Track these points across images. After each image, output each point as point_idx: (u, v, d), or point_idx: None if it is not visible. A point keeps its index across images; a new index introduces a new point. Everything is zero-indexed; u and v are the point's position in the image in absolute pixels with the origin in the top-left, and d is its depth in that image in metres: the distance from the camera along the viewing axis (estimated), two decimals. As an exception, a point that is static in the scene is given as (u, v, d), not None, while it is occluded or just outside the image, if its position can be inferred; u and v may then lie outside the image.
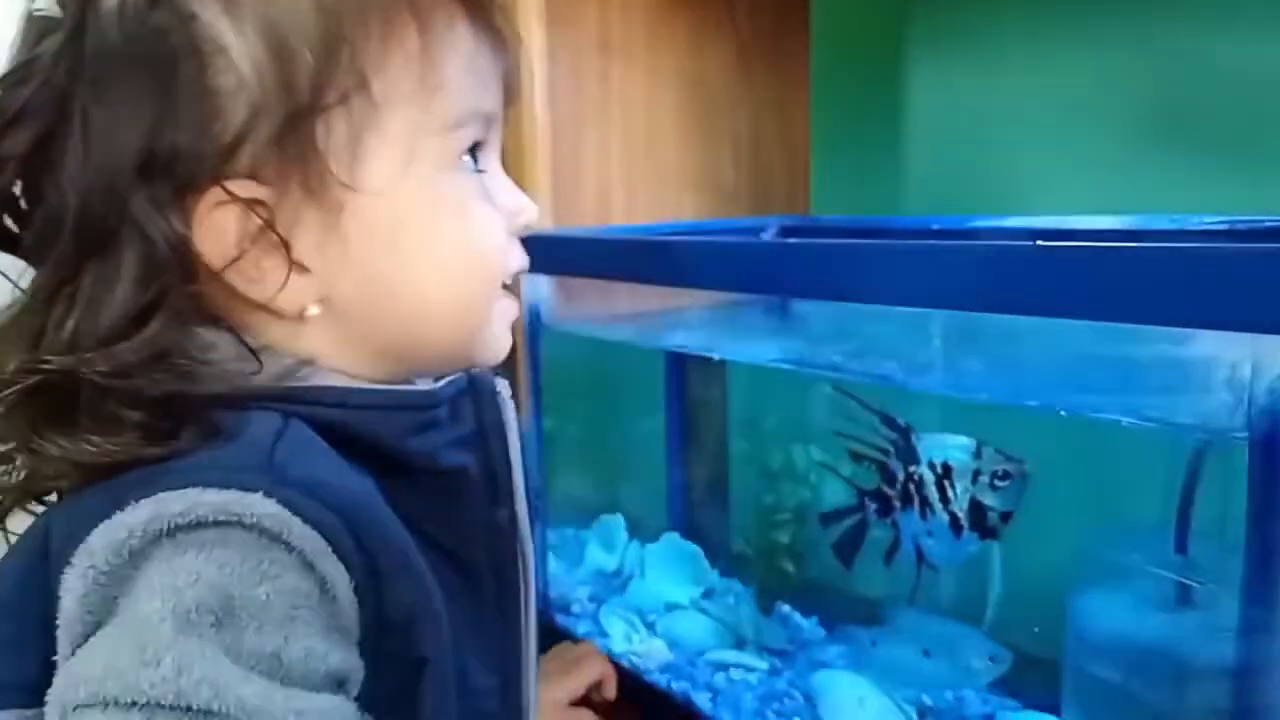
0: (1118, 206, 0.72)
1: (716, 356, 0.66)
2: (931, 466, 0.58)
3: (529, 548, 0.46)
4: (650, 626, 0.76)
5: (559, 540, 0.83)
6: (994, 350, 0.48)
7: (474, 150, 0.42)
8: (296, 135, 0.36)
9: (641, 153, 0.90)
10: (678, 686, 0.69)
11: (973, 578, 0.58)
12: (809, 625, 0.73)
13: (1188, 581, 0.50)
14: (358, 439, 0.38)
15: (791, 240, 0.53)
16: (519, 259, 0.45)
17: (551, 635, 0.78)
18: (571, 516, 0.85)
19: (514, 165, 0.85)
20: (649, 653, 0.72)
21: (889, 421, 0.60)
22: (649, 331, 0.74)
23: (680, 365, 0.85)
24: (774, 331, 0.64)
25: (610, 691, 0.69)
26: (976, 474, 0.56)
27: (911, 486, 0.59)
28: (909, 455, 0.59)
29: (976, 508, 0.56)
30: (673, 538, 0.80)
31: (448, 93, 0.39)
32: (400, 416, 0.40)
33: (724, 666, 0.70)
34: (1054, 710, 0.59)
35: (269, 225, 0.37)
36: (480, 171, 0.43)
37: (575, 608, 0.80)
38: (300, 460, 0.35)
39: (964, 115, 0.91)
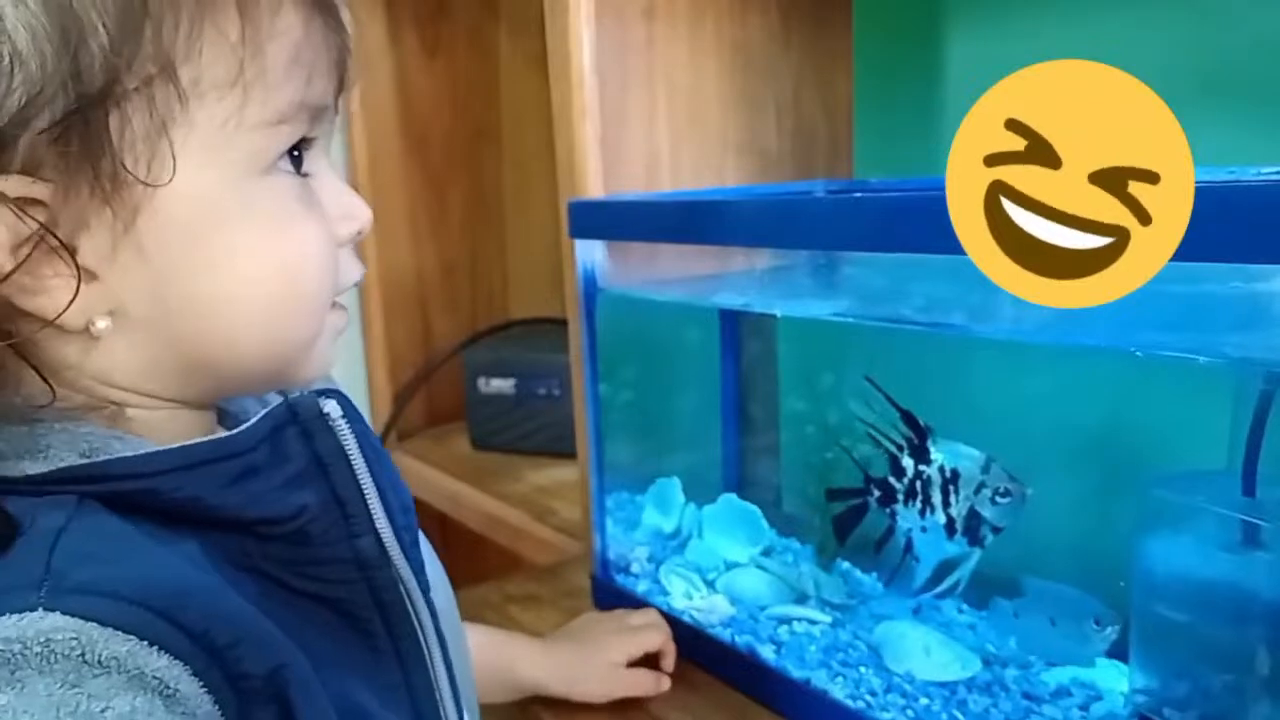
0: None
1: (778, 313, 0.66)
2: (941, 470, 0.60)
3: (407, 572, 0.40)
4: (710, 584, 0.77)
5: (615, 505, 0.84)
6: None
7: (298, 149, 0.38)
8: (85, 125, 0.32)
9: (686, 119, 0.91)
10: (741, 640, 0.70)
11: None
12: (869, 581, 0.74)
13: (1255, 521, 0.50)
14: (172, 505, 0.35)
15: (859, 193, 0.54)
16: (350, 272, 0.42)
17: (611, 595, 0.80)
18: (627, 481, 0.87)
19: (562, 134, 0.86)
20: (711, 608, 0.73)
21: (909, 420, 0.62)
22: (703, 292, 0.75)
23: (734, 326, 0.86)
24: (829, 289, 0.64)
25: (669, 664, 0.70)
26: (980, 486, 0.58)
27: (918, 484, 0.61)
28: (921, 455, 0.62)
29: (973, 517, 0.59)
30: (730, 499, 0.81)
31: (268, 84, 0.35)
32: (208, 472, 0.35)
33: (786, 620, 0.71)
34: (1119, 657, 0.60)
35: (47, 229, 0.32)
36: (304, 175, 0.39)
37: (634, 567, 0.82)
38: (84, 557, 0.32)
39: (1006, 74, 0.90)
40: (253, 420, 0.37)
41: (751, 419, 0.87)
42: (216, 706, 0.32)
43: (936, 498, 0.60)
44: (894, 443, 0.63)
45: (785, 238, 0.60)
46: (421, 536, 0.43)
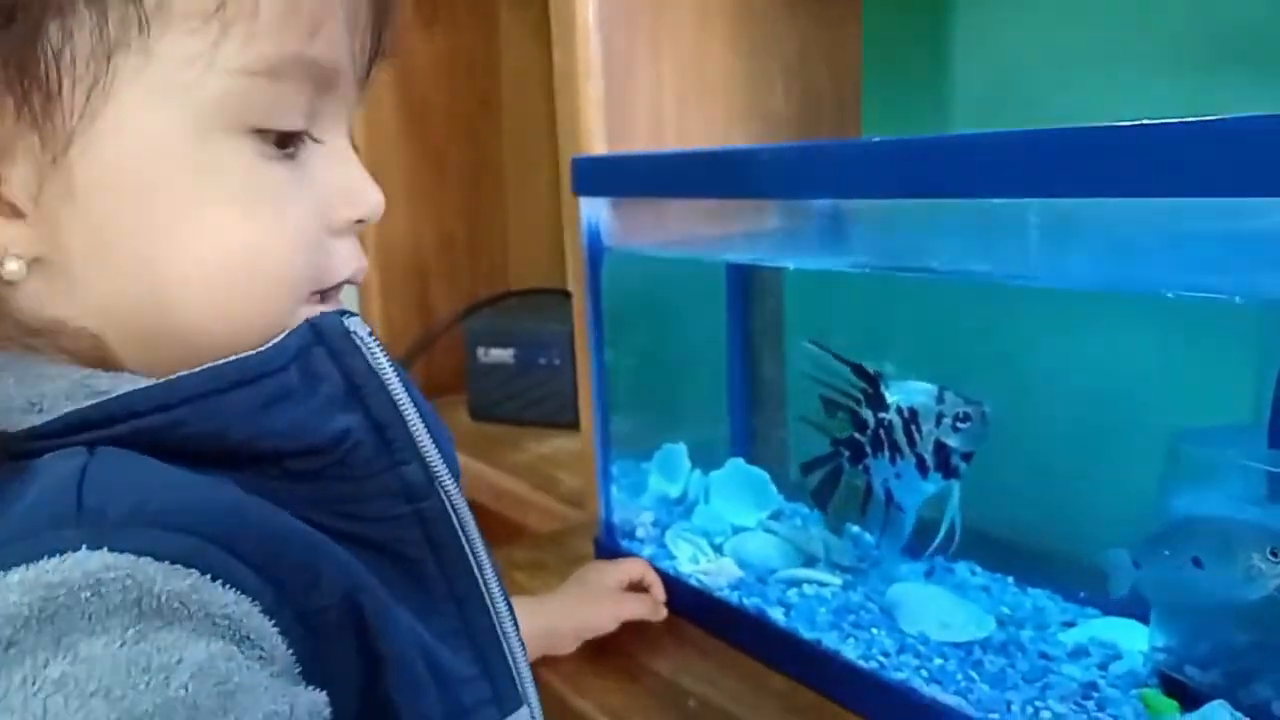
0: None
1: (790, 265, 0.65)
2: (899, 412, 0.60)
3: (460, 499, 0.36)
4: (718, 548, 0.76)
5: (620, 471, 0.83)
6: (1088, 238, 0.47)
7: (298, 133, 0.34)
8: (18, 30, 0.28)
9: (692, 81, 0.89)
10: (749, 603, 0.69)
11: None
12: (895, 557, 0.72)
13: (1283, 473, 0.49)
14: (199, 441, 0.31)
15: (875, 139, 0.52)
16: (343, 265, 0.37)
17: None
18: (632, 447, 0.85)
19: (565, 94, 0.85)
20: (718, 572, 0.72)
21: (859, 371, 0.61)
22: (711, 250, 0.73)
23: (743, 284, 0.84)
24: (841, 243, 0.63)
25: (659, 594, 0.70)
26: (940, 417, 0.58)
27: (881, 433, 0.61)
28: (878, 403, 0.61)
29: (940, 449, 0.58)
30: (738, 463, 0.80)
31: (256, 25, 0.31)
32: (241, 396, 0.31)
33: (796, 583, 0.70)
34: (1139, 616, 0.59)
35: None
36: (288, 152, 0.34)
37: (640, 532, 0.80)
38: (119, 488, 0.28)
39: (1014, 37, 0.88)
40: (279, 338, 0.33)
41: (760, 381, 0.86)
42: (290, 651, 0.28)
43: (902, 441, 0.60)
44: (850, 398, 0.62)
45: (799, 186, 0.59)
46: None
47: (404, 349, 1.36)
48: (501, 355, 1.22)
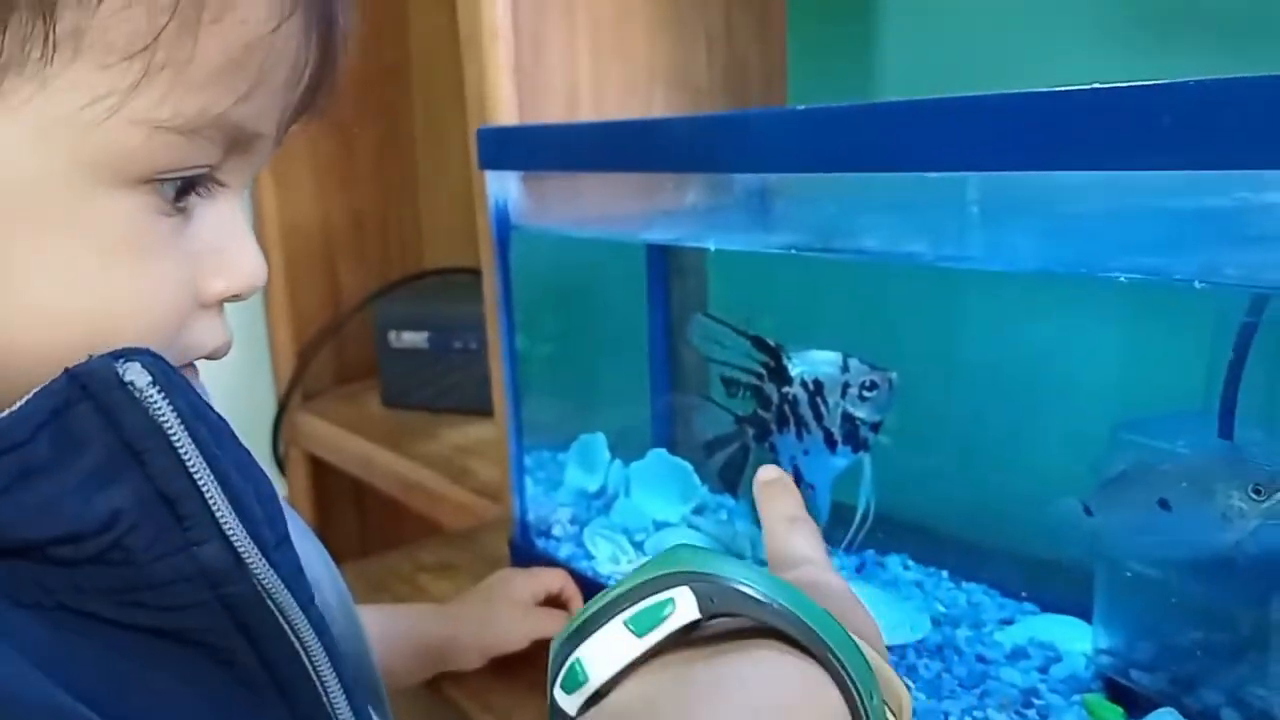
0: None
1: (711, 246, 0.60)
2: (804, 385, 0.56)
3: (273, 580, 0.30)
4: (639, 546, 0.71)
5: (535, 464, 0.78)
6: (1030, 215, 0.43)
7: (194, 180, 0.30)
8: None
9: (609, 47, 0.83)
10: (672, 607, 0.64)
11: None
12: (810, 538, 0.69)
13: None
14: None
15: (805, 107, 0.48)
16: (204, 340, 0.33)
17: (531, 560, 0.73)
18: (549, 438, 0.80)
19: (472, 60, 0.78)
20: (639, 573, 0.68)
21: (760, 344, 0.58)
22: (628, 229, 0.68)
23: (663, 266, 0.79)
24: (768, 222, 0.59)
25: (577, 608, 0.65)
26: (845, 387, 0.55)
27: (786, 408, 0.57)
28: (781, 376, 0.57)
29: (848, 420, 0.55)
30: (659, 454, 0.75)
31: (184, 79, 0.27)
32: None
33: (721, 584, 0.65)
34: (1078, 614, 0.56)
35: None
36: (181, 209, 0.30)
37: (556, 530, 0.75)
38: None
39: (946, 4, 0.85)
40: (21, 401, 0.27)
41: (682, 368, 0.81)
42: None
43: (808, 415, 0.56)
44: (752, 374, 0.59)
45: (721, 159, 0.54)
46: (295, 518, 0.34)
47: (312, 333, 1.28)
48: (415, 339, 1.16)
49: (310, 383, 1.28)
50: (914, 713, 0.51)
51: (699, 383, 0.84)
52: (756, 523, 0.69)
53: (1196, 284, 0.36)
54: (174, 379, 0.29)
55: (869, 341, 0.58)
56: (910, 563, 0.66)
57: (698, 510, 0.73)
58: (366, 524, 1.35)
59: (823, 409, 0.56)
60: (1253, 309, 0.45)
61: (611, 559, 0.70)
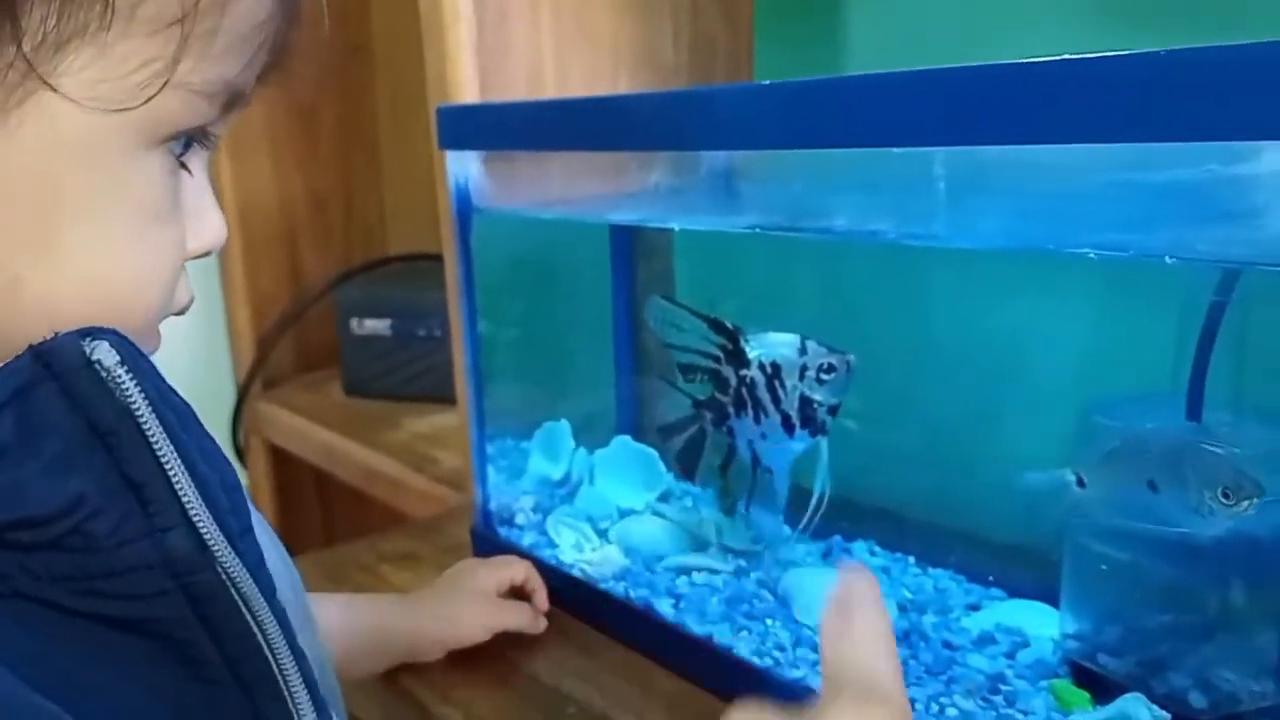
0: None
1: (676, 227, 0.59)
2: (761, 368, 0.55)
3: (239, 570, 0.29)
4: (602, 534, 0.70)
5: (498, 452, 0.76)
6: (999, 191, 0.42)
7: (194, 137, 0.32)
8: None
9: (573, 25, 0.81)
10: (636, 594, 0.63)
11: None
12: (775, 524, 0.68)
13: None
14: None
15: (771, 82, 0.46)
16: (183, 298, 0.34)
17: (494, 549, 0.72)
18: (512, 426, 0.79)
19: (433, 40, 0.76)
20: (603, 561, 0.66)
21: (717, 326, 0.57)
22: (594, 209, 0.67)
23: (628, 248, 0.78)
24: (734, 202, 0.57)
25: (541, 602, 0.64)
26: (803, 370, 0.54)
27: (744, 391, 0.56)
28: (738, 359, 0.56)
29: (806, 404, 0.54)
30: (624, 441, 0.74)
31: (212, 47, 0.29)
32: None
33: (686, 571, 0.64)
34: (1045, 599, 0.56)
35: None
36: (183, 166, 0.32)
37: (519, 519, 0.74)
38: None
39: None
40: None
41: (648, 353, 0.79)
42: None
43: (766, 398, 0.55)
44: (709, 357, 0.58)
45: (686, 136, 0.52)
46: (252, 511, 0.33)
47: (272, 320, 1.25)
48: (377, 326, 1.13)
49: (270, 370, 1.25)
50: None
51: (664, 367, 0.83)
52: (723, 509, 0.68)
53: (1167, 259, 0.35)
54: (141, 361, 0.29)
55: (834, 322, 0.57)
56: (876, 548, 0.66)
57: (663, 497, 0.72)
58: (328, 514, 1.33)
59: (780, 392, 0.55)
60: (1221, 288, 0.44)
61: (575, 547, 0.69)
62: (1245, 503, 0.42)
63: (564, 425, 0.77)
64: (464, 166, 0.69)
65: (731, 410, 0.58)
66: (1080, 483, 0.48)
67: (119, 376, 0.28)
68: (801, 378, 0.54)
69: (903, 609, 0.58)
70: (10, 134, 0.27)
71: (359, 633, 0.58)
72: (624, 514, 0.71)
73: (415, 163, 1.29)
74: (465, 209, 0.69)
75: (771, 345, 0.56)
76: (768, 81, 0.47)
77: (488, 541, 0.73)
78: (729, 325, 0.57)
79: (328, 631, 0.46)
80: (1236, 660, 0.45)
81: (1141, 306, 0.48)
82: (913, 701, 0.50)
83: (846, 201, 0.49)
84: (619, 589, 0.64)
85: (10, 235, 0.28)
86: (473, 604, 0.62)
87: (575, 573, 0.66)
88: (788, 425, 0.55)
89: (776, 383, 0.55)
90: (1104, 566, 0.48)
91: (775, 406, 0.55)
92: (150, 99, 0.29)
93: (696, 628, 0.59)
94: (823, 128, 0.45)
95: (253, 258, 1.25)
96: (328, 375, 1.24)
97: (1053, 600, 0.54)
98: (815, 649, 0.56)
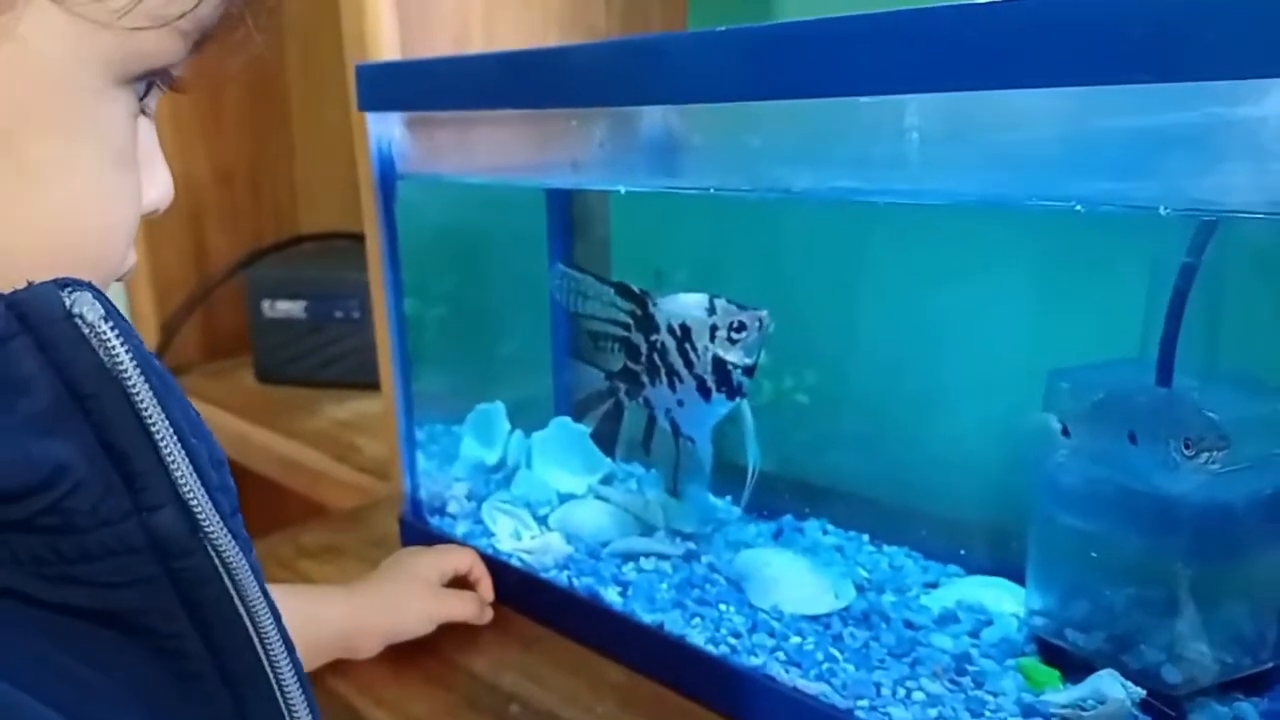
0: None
1: (621, 189, 0.55)
2: (671, 331, 0.53)
3: (234, 554, 0.27)
4: (542, 521, 0.66)
5: (428, 437, 0.72)
6: (965, 141, 0.39)
7: (154, 82, 0.30)
8: None
9: (501, -15, 0.77)
10: (580, 583, 0.60)
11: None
12: (724, 505, 0.65)
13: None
14: None
15: (717, 29, 0.43)
16: (132, 258, 0.32)
17: (424, 540, 0.68)
18: (443, 409, 0.74)
19: (352, 1, 0.71)
20: (543, 549, 0.63)
21: (624, 291, 0.54)
22: (527, 173, 0.62)
23: (565, 216, 0.74)
24: (678, 161, 0.54)
25: (487, 592, 0.61)
26: (714, 330, 0.51)
27: (656, 357, 0.54)
28: (648, 325, 0.53)
29: (719, 366, 0.51)
30: (563, 422, 0.70)
31: None
32: None
33: (633, 556, 0.61)
34: (1005, 574, 0.54)
35: None
36: (143, 113, 0.30)
37: (452, 507, 0.70)
38: None
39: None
40: None
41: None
42: None
43: (678, 363, 0.53)
44: (619, 324, 0.55)
45: (628, 91, 0.49)
46: None
47: (176, 304, 1.18)
48: (291, 308, 1.07)
49: (176, 357, 1.17)
50: (843, 684, 0.49)
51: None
52: (668, 490, 0.65)
53: (1162, 210, 0.33)
54: (122, 319, 0.26)
55: (783, 291, 0.54)
56: (829, 527, 0.64)
57: (606, 480, 0.69)
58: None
59: (692, 355, 0.52)
60: (1192, 249, 0.42)
61: (513, 535, 0.65)
62: (1205, 455, 0.41)
63: (498, 407, 0.73)
64: (386, 129, 0.64)
65: (646, 379, 0.55)
66: (1065, 431, 0.46)
67: (103, 332, 0.25)
68: (713, 338, 0.51)
69: (861, 589, 0.56)
70: None
71: (294, 625, 0.53)
72: (564, 499, 0.68)
73: (329, 133, 1.22)
74: (388, 176, 0.65)
75: (680, 306, 0.53)
76: (714, 29, 0.43)
77: (418, 532, 0.68)
78: (636, 289, 0.54)
79: None
80: (1208, 633, 0.44)
81: (1107, 271, 0.47)
82: (877, 686, 0.48)
83: (793, 157, 0.46)
84: (561, 578, 0.61)
85: None
86: (414, 592, 0.58)
87: (514, 562, 0.63)
88: (703, 389, 0.52)
89: (688, 345, 0.52)
90: (1069, 537, 0.46)
91: (689, 371, 0.52)
92: (128, 27, 0.27)
93: (646, 616, 0.56)
94: (771, 76, 0.42)
95: (155, 238, 1.17)
96: (237, 362, 1.17)
97: (1013, 576, 0.53)
98: (772, 634, 0.53)
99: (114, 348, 0.25)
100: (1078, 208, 0.35)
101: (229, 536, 0.27)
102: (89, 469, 0.25)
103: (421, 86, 0.61)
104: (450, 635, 0.58)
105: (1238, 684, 0.44)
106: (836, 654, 0.51)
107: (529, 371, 0.76)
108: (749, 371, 0.51)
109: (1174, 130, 0.32)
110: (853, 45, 0.39)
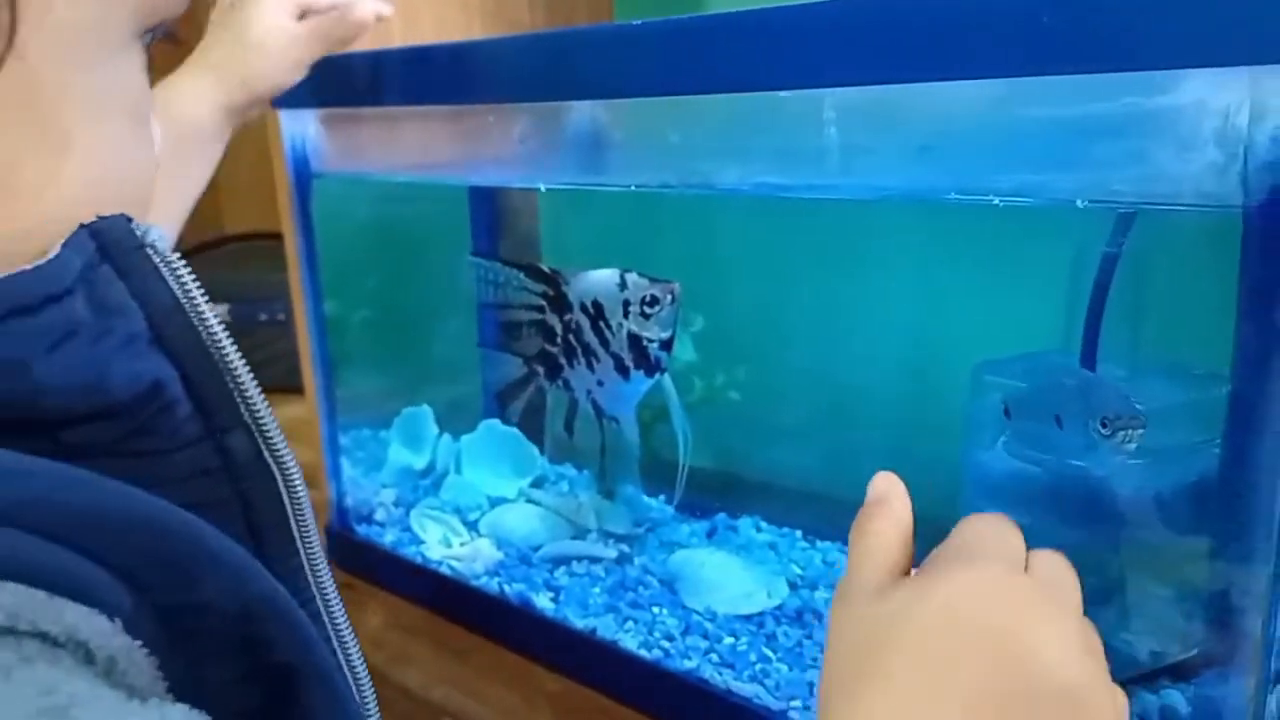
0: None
1: (542, 187, 0.54)
2: (584, 310, 0.51)
3: (299, 478, 0.29)
4: (472, 526, 0.65)
5: (353, 443, 0.70)
6: (886, 135, 0.39)
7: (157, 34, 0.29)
8: None
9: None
10: (512, 590, 0.58)
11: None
12: (657, 505, 0.64)
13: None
14: None
15: (636, 22, 0.42)
16: None
17: (352, 550, 0.66)
18: (368, 414, 0.72)
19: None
20: (473, 555, 0.61)
21: (534, 272, 0.53)
22: (450, 171, 0.61)
23: (489, 213, 0.72)
24: (603, 157, 0.53)
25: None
26: (626, 305, 0.50)
27: (572, 338, 0.52)
28: (561, 305, 0.52)
29: (635, 342, 0.50)
30: (492, 425, 0.69)
31: None
32: (22, 329, 0.23)
33: (564, 560, 0.60)
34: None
35: None
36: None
37: (379, 514, 0.68)
38: None
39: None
40: (55, 251, 0.24)
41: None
42: (153, 663, 0.22)
43: (594, 342, 0.51)
44: (532, 308, 0.54)
45: (552, 85, 0.47)
46: None
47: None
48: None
49: (93, 364, 1.13)
50: (776, 685, 0.48)
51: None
52: (601, 491, 0.64)
53: (1080, 203, 0.33)
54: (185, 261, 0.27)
55: (713, 286, 0.54)
56: (763, 524, 0.63)
57: (537, 483, 0.68)
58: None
59: (607, 333, 0.50)
60: (1113, 238, 0.43)
61: (442, 542, 0.64)
62: (1121, 434, 0.41)
63: (425, 411, 0.71)
64: (300, 127, 0.62)
65: (564, 361, 0.53)
66: (1007, 413, 0.46)
67: (172, 261, 0.26)
68: (626, 314, 0.50)
69: (794, 586, 0.56)
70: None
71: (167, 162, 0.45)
72: (495, 503, 0.66)
73: (252, 135, 1.19)
74: (304, 174, 0.63)
75: (591, 283, 0.51)
76: (638, 21, 0.42)
77: (345, 541, 0.66)
78: (547, 269, 0.52)
79: None
80: (1135, 621, 0.44)
81: (1031, 259, 0.47)
82: (810, 686, 0.48)
83: (720, 153, 0.46)
84: (492, 585, 0.59)
85: (13, 129, 0.25)
86: (274, 39, 0.50)
87: (444, 570, 0.61)
88: (621, 368, 0.51)
89: (601, 323, 0.51)
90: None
91: (605, 350, 0.51)
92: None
93: (579, 622, 0.55)
94: (696, 70, 0.41)
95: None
96: (159, 367, 1.13)
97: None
98: (705, 636, 0.52)
99: (183, 277, 0.26)
100: (996, 201, 0.34)
101: (292, 456, 0.28)
102: (175, 389, 0.26)
103: (337, 83, 0.59)
104: (377, 646, 0.56)
105: (1166, 671, 0.44)
106: (770, 654, 0.50)
107: (456, 373, 0.74)
108: (666, 345, 0.50)
109: (1092, 122, 0.32)
110: (776, 37, 0.38)
